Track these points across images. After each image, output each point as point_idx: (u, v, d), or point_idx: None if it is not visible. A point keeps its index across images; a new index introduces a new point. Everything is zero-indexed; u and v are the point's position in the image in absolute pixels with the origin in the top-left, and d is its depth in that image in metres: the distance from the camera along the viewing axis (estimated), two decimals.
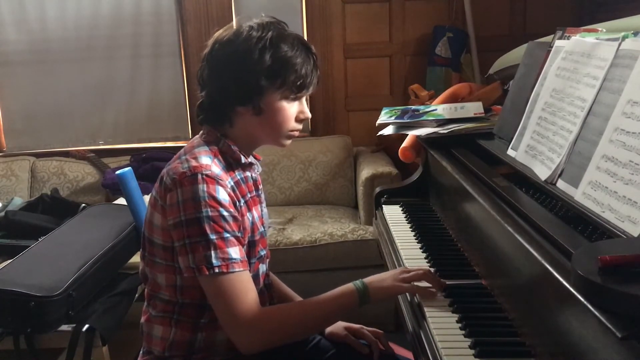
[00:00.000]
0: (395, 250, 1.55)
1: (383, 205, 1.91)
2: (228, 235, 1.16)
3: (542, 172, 1.21)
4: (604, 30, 1.33)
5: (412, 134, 1.88)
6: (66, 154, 3.38)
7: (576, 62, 1.24)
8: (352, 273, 2.72)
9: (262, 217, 1.35)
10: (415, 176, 1.96)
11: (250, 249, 1.27)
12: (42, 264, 2.00)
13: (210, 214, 1.14)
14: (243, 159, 1.28)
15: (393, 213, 1.81)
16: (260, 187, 1.39)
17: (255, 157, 1.38)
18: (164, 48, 3.44)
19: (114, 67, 3.45)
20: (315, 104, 3.45)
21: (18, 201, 2.96)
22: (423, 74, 3.35)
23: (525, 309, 1.03)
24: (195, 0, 3.33)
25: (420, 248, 1.50)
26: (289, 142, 1.31)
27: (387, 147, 3.19)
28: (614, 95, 1.06)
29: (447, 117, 1.84)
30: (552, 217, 1.10)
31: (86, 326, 1.87)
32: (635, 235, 0.88)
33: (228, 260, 1.14)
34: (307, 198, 3.21)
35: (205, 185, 1.15)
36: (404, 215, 1.78)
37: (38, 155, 3.40)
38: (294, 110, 1.26)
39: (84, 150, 3.39)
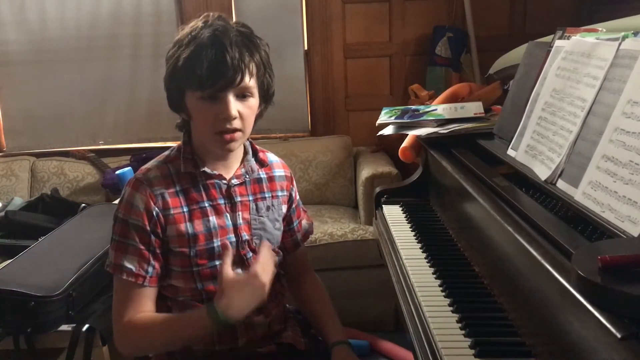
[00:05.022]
0: (395, 250, 1.55)
1: (383, 205, 1.90)
2: (131, 242, 1.23)
3: (542, 172, 1.21)
4: (604, 30, 1.33)
5: (412, 134, 1.88)
6: (66, 154, 3.38)
7: (576, 62, 1.24)
8: (352, 273, 2.73)
9: (240, 225, 1.31)
10: (415, 176, 1.96)
11: (210, 254, 1.27)
12: (42, 264, 1.99)
13: (121, 216, 1.25)
14: (183, 167, 1.27)
15: (393, 213, 1.81)
16: (239, 198, 1.31)
17: (255, 167, 1.36)
18: (164, 48, 3.39)
19: (114, 67, 3.45)
20: (315, 104, 3.46)
21: (18, 201, 2.95)
22: (423, 74, 3.35)
23: (525, 309, 1.03)
24: (195, 0, 3.33)
25: (420, 248, 1.50)
26: (229, 145, 1.23)
27: (387, 147, 3.19)
28: (614, 95, 1.05)
29: (447, 117, 1.84)
30: (552, 217, 1.10)
31: (86, 326, 1.86)
32: (635, 235, 0.88)
33: (120, 267, 1.23)
34: (307, 198, 3.21)
35: (130, 188, 1.26)
36: (404, 215, 1.78)
37: (38, 155, 3.40)
38: (213, 110, 1.20)
39: (84, 150, 3.39)
